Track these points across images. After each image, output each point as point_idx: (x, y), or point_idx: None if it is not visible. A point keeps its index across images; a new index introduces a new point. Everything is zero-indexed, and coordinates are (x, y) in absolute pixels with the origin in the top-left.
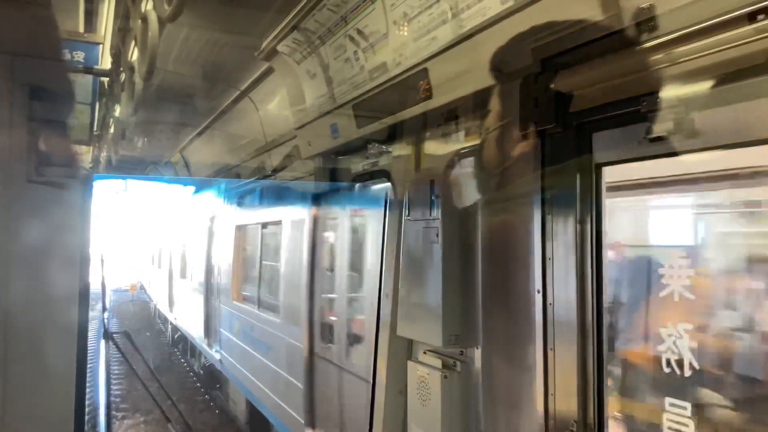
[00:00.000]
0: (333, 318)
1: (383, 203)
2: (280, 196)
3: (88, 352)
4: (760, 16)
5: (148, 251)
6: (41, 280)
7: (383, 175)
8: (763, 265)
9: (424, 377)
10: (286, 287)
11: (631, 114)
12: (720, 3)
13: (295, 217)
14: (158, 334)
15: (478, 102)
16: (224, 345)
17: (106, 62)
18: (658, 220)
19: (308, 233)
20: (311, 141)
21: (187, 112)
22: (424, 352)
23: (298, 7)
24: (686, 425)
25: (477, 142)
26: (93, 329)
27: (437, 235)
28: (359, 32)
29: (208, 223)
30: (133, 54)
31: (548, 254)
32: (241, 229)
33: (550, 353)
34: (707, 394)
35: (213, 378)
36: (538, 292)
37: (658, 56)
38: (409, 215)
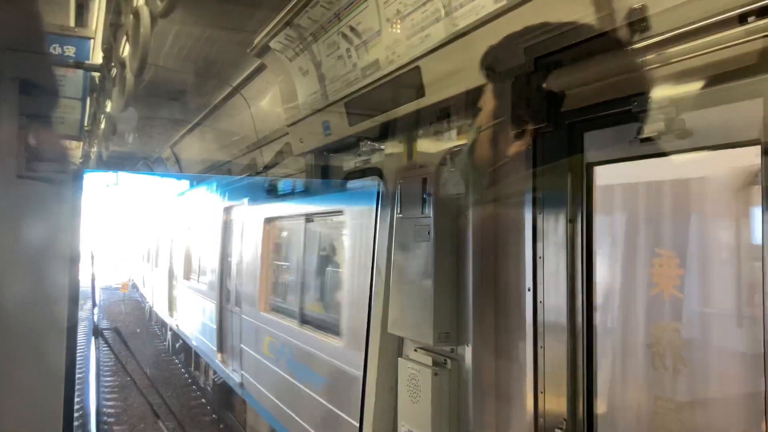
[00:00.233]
0: None
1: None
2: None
3: (77, 354)
4: (751, 18)
5: (140, 248)
6: (31, 277)
7: (375, 172)
8: None
9: (415, 374)
10: (350, 299)
11: (623, 114)
12: (711, 4)
13: (358, 207)
14: (153, 337)
15: (470, 100)
16: (248, 366)
17: (97, 57)
18: None
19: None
20: (303, 138)
21: (178, 108)
22: (415, 350)
23: (291, 4)
24: None
25: (469, 140)
26: (82, 332)
27: (429, 233)
28: (352, 29)
29: (222, 215)
30: (125, 49)
31: (539, 253)
32: (271, 223)
33: (540, 351)
34: None
35: (224, 397)
36: (529, 290)
37: (650, 56)
38: (400, 213)
